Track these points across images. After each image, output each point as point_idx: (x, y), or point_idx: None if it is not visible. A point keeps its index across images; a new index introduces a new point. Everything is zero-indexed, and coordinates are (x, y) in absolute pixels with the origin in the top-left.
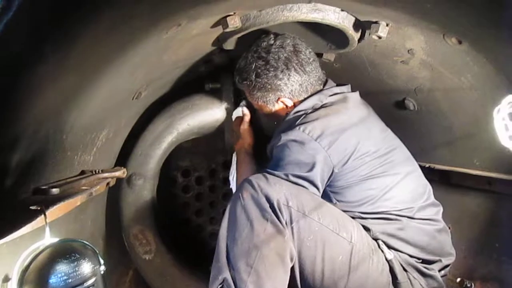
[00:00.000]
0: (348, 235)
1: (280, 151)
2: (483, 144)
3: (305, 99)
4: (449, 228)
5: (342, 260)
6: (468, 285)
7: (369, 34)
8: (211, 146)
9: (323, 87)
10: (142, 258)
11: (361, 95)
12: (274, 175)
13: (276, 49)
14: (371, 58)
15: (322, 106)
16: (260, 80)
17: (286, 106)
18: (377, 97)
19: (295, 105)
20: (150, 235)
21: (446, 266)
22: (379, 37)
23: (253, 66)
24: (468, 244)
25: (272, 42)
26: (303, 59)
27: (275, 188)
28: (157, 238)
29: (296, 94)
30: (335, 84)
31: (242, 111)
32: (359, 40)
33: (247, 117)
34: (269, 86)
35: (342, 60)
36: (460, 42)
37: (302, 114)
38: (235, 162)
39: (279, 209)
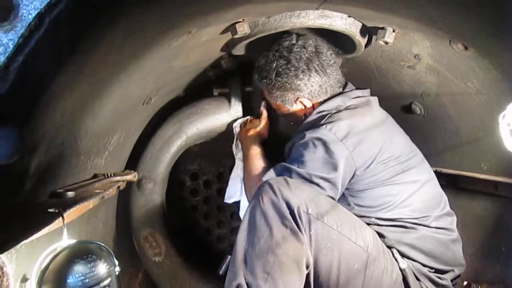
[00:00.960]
0: (365, 244)
1: (303, 148)
2: (490, 149)
3: (326, 100)
4: None
5: (357, 269)
6: None
7: (376, 40)
8: (219, 150)
9: (343, 90)
10: (152, 260)
11: None
12: (294, 171)
13: (298, 49)
14: (378, 63)
15: (346, 108)
16: (280, 79)
17: (305, 106)
18: (384, 101)
19: (314, 107)
20: (160, 237)
21: (458, 276)
22: (386, 43)
23: (274, 65)
24: (475, 247)
25: (294, 41)
26: (324, 60)
27: (296, 193)
28: (166, 240)
29: (315, 95)
30: (355, 88)
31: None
32: (366, 45)
33: (265, 110)
34: (289, 86)
35: (349, 65)
36: (466, 48)
37: (327, 114)
38: (233, 178)
39: (299, 216)
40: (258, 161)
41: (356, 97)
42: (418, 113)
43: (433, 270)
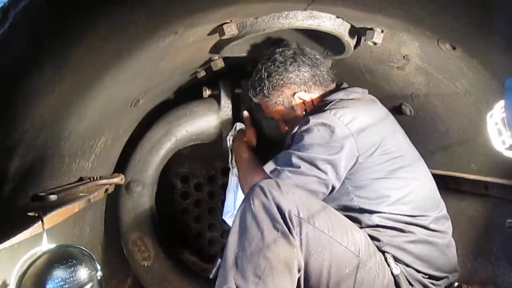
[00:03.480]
0: (356, 248)
1: (307, 133)
2: (479, 149)
3: (328, 93)
4: None
5: (348, 273)
6: None
7: (365, 41)
8: (210, 152)
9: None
10: (140, 265)
11: None
12: (295, 155)
13: (281, 49)
14: (367, 64)
15: (350, 99)
16: (272, 79)
17: (304, 101)
18: None
19: (313, 102)
20: (149, 241)
21: (451, 284)
22: (375, 44)
23: (263, 70)
24: (466, 248)
25: (277, 49)
26: (309, 56)
27: (287, 197)
28: (156, 244)
29: (310, 85)
30: (348, 86)
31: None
32: (355, 46)
33: (248, 120)
34: (282, 81)
35: (339, 67)
36: (454, 48)
37: (331, 101)
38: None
39: (290, 220)
40: (252, 163)
41: (357, 93)
42: (408, 114)
43: (427, 276)
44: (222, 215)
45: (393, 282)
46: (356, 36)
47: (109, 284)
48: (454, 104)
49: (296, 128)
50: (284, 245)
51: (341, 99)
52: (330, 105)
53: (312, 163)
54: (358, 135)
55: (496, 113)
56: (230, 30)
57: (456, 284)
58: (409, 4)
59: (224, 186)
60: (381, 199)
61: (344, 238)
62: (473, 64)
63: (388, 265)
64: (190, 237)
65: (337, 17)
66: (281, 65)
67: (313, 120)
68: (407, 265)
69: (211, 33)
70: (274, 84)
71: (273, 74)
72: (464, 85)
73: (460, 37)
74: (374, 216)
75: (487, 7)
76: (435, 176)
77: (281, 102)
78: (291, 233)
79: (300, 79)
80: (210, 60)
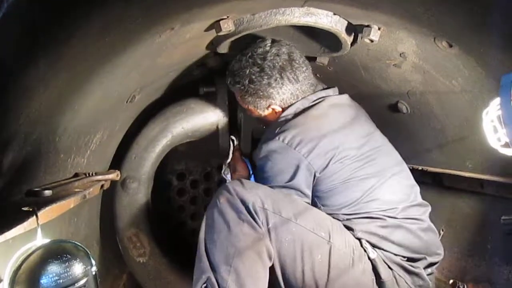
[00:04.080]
0: (326, 234)
1: (263, 163)
2: (475, 146)
3: (291, 105)
4: (442, 230)
5: (321, 259)
6: (461, 287)
7: (362, 38)
8: (206, 150)
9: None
10: (136, 261)
11: (355, 99)
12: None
13: (272, 57)
14: (364, 61)
15: (303, 111)
16: (253, 86)
17: (276, 112)
18: (371, 100)
19: (283, 111)
20: (145, 238)
21: (432, 264)
22: (372, 41)
23: (247, 72)
24: (461, 246)
25: (268, 48)
26: (297, 68)
27: (251, 191)
28: (151, 241)
29: (286, 102)
30: (322, 88)
31: (231, 148)
32: (352, 43)
33: (237, 153)
34: (261, 93)
35: (335, 64)
36: (450, 46)
37: (283, 121)
38: None
39: (255, 211)
40: None
41: (317, 99)
42: (404, 111)
43: (405, 259)
44: None
45: (371, 267)
46: (353, 33)
47: (104, 280)
48: (450, 102)
49: (256, 152)
50: (251, 234)
51: (295, 113)
52: (281, 127)
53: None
54: (309, 155)
55: (491, 111)
56: (227, 26)
57: (451, 281)
58: (406, 1)
59: (221, 183)
60: (345, 203)
61: (313, 225)
62: (469, 61)
63: (365, 250)
64: (186, 234)
65: (334, 14)
66: (266, 77)
67: (265, 148)
68: (383, 250)
69: (208, 29)
70: (253, 92)
71: (256, 83)
72: (461, 83)
73: (457, 35)
74: (342, 216)
75: (484, 4)
76: (431, 174)
77: (254, 106)
78: (256, 222)
79: (280, 96)
80: (207, 56)
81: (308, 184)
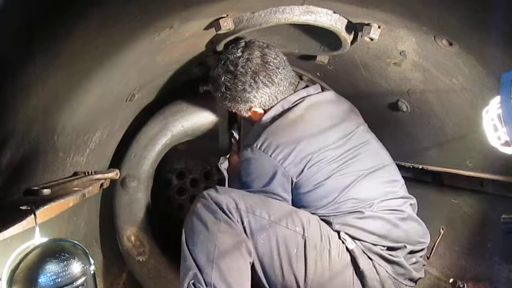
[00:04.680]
0: (300, 229)
1: (243, 168)
2: (475, 145)
3: (272, 107)
4: (442, 229)
5: (297, 254)
6: (461, 286)
7: (362, 36)
8: (206, 148)
9: (295, 90)
10: (135, 260)
11: (355, 97)
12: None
13: (244, 62)
14: (364, 60)
15: (281, 114)
16: (230, 92)
17: (259, 113)
18: (371, 99)
19: (265, 112)
20: (144, 237)
21: (413, 251)
22: (372, 39)
23: (222, 79)
24: (461, 244)
25: (239, 54)
26: (272, 70)
27: (224, 195)
28: (151, 240)
29: (266, 104)
30: (303, 86)
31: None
32: (352, 42)
33: (235, 148)
34: (239, 99)
35: (335, 63)
36: (450, 44)
37: (262, 126)
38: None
39: (229, 211)
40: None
41: (298, 99)
42: (404, 110)
43: (385, 248)
44: None
45: (349, 257)
46: (353, 32)
47: (104, 279)
48: (451, 101)
49: (239, 156)
50: (228, 231)
51: (273, 117)
52: (259, 132)
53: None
54: (284, 161)
55: (492, 109)
56: (226, 24)
57: (451, 280)
58: None
59: (220, 182)
60: (321, 204)
61: (286, 221)
62: (469, 60)
63: (343, 241)
64: None
65: (334, 12)
66: (240, 83)
67: (243, 155)
68: (362, 240)
69: (207, 27)
70: (231, 98)
71: (231, 89)
72: (461, 81)
73: (457, 33)
74: (320, 214)
75: (484, 2)
76: (431, 173)
77: (237, 109)
78: (232, 220)
79: (257, 99)
80: (206, 55)
81: (284, 188)
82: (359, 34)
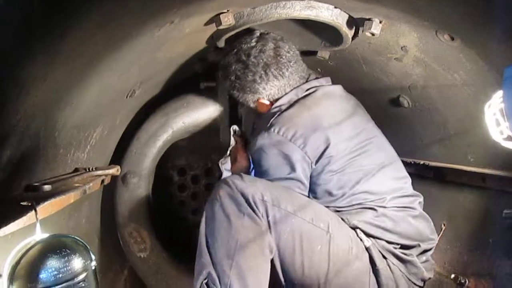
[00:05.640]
0: (325, 225)
1: (258, 157)
2: (477, 140)
3: (282, 96)
4: (444, 224)
5: (320, 250)
6: (462, 281)
7: (363, 31)
8: (207, 145)
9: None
10: (137, 256)
11: (356, 93)
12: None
13: (256, 53)
14: (365, 55)
15: (296, 102)
16: (239, 82)
17: (266, 105)
18: (372, 94)
19: (272, 104)
20: (145, 233)
21: (426, 250)
22: (373, 34)
23: (233, 68)
24: (462, 240)
25: (253, 44)
26: (283, 63)
27: (250, 184)
28: (152, 236)
29: (274, 96)
30: (315, 77)
31: (233, 138)
32: (353, 37)
33: (239, 144)
34: (248, 89)
35: (336, 58)
36: (452, 39)
37: (277, 112)
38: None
39: (255, 204)
40: None
41: (310, 88)
42: (405, 106)
43: (399, 246)
44: None
45: (368, 256)
46: (354, 27)
47: (105, 275)
48: (452, 96)
49: (251, 144)
50: (252, 227)
51: (289, 103)
52: (274, 118)
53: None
54: (305, 146)
55: (494, 104)
56: (227, 20)
57: (452, 275)
58: None
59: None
60: (335, 196)
61: (312, 216)
62: (471, 54)
63: (360, 239)
64: (187, 229)
65: (335, 7)
66: (250, 74)
67: (259, 141)
68: (378, 238)
69: (208, 23)
70: (240, 88)
71: (241, 79)
72: (462, 76)
73: (459, 28)
74: (332, 209)
75: None
76: (432, 168)
77: (244, 100)
78: (257, 215)
79: (266, 91)
80: (207, 51)
81: (306, 175)
82: (360, 29)
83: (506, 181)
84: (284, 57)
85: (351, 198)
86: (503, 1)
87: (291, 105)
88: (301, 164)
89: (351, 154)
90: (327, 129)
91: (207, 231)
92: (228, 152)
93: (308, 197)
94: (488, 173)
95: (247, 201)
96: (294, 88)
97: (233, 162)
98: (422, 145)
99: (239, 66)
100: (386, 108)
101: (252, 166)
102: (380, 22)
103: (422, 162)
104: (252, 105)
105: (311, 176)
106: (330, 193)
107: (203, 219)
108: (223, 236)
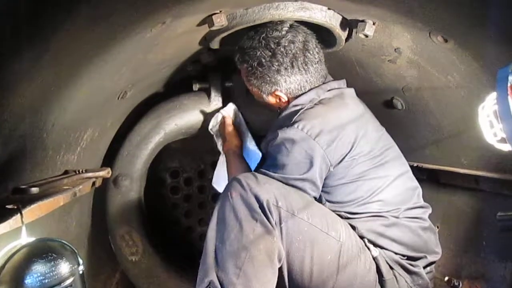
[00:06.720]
0: (337, 234)
1: (276, 150)
2: (470, 143)
3: (301, 94)
4: (437, 227)
5: (330, 259)
6: (456, 284)
7: (356, 33)
8: (200, 147)
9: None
10: (128, 260)
11: None
12: (270, 176)
13: (286, 43)
14: (359, 57)
15: (320, 102)
16: (261, 69)
17: (280, 99)
18: (366, 96)
19: (289, 101)
20: (137, 236)
21: (431, 263)
22: (366, 36)
23: (258, 53)
24: (456, 242)
25: (284, 33)
26: (310, 58)
27: (265, 187)
28: (144, 239)
29: (292, 92)
30: (332, 79)
31: (221, 114)
32: (347, 39)
33: (228, 120)
34: (268, 78)
35: (330, 60)
36: (446, 41)
37: (300, 109)
38: (220, 164)
39: (269, 209)
40: (235, 170)
41: (331, 89)
42: (399, 108)
43: (405, 257)
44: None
45: (375, 266)
46: (347, 28)
47: (97, 279)
48: (446, 98)
49: (268, 138)
50: (263, 235)
51: (312, 103)
52: (298, 114)
53: (288, 184)
54: (328, 147)
55: (488, 105)
56: (220, 20)
57: (446, 278)
58: None
59: None
60: (351, 201)
61: (324, 225)
62: (465, 56)
63: (368, 248)
64: (180, 232)
65: (329, 8)
66: (276, 63)
67: (282, 135)
68: (385, 248)
69: (200, 24)
70: (260, 76)
71: (264, 67)
72: (456, 78)
73: (452, 29)
74: (344, 214)
75: None
76: (426, 170)
77: (259, 89)
78: (270, 222)
79: (287, 84)
80: (200, 52)
81: (321, 177)
82: (354, 30)
83: (500, 183)
84: (311, 52)
85: (365, 206)
86: (496, 3)
87: (315, 104)
88: (320, 164)
89: (373, 160)
90: (355, 129)
91: (217, 235)
92: (217, 121)
93: (320, 198)
94: (481, 175)
95: (260, 206)
96: (315, 87)
97: (224, 141)
98: (416, 147)
99: (265, 53)
100: (379, 110)
101: (245, 144)
102: (374, 23)
103: (415, 164)
104: (265, 96)
105: (328, 178)
106: (345, 198)
107: (214, 221)
108: (232, 243)
